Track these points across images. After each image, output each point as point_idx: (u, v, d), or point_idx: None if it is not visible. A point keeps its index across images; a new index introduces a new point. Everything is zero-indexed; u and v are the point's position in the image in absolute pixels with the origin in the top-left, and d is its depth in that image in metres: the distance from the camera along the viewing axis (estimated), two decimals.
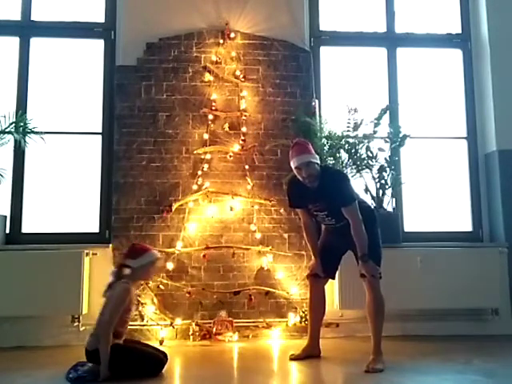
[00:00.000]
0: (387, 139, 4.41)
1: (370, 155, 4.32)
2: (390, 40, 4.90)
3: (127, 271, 3.14)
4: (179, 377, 3.24)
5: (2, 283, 3.91)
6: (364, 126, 4.34)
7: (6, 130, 4.07)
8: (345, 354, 3.68)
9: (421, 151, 4.75)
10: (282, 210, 4.30)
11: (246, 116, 4.41)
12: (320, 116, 4.50)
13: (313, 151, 3.34)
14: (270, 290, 4.21)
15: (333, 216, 3.37)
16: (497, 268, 4.26)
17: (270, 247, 4.25)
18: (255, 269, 4.23)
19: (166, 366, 3.16)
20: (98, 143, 4.53)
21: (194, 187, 4.28)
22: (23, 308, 3.91)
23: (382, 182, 4.33)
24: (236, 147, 4.36)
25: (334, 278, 3.65)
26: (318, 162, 3.35)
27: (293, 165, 3.32)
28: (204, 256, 4.20)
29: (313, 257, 3.57)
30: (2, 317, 3.96)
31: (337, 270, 3.64)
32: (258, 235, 4.25)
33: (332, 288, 4.12)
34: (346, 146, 4.31)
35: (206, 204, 4.29)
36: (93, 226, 4.41)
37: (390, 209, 4.37)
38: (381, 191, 4.34)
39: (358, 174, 4.29)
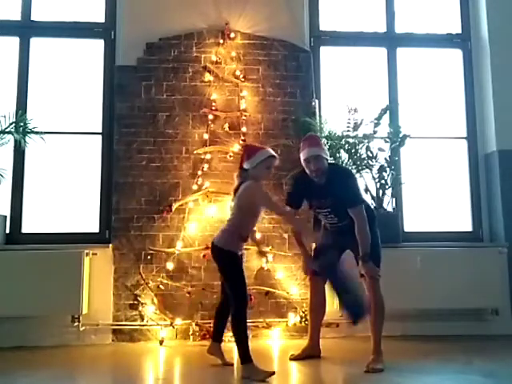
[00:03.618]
0: (387, 139, 4.41)
1: (370, 155, 4.32)
2: (390, 40, 4.90)
3: (247, 173, 3.13)
4: (179, 377, 3.24)
5: (2, 283, 3.91)
6: (364, 126, 4.34)
7: (6, 130, 4.08)
8: (345, 354, 3.68)
9: (421, 151, 4.74)
10: None
11: (246, 116, 4.41)
12: (320, 116, 4.50)
13: (323, 146, 3.37)
14: (270, 290, 4.21)
15: (336, 214, 3.37)
16: (497, 268, 4.26)
17: (270, 247, 4.25)
18: (255, 269, 4.23)
19: None
20: (98, 143, 4.53)
21: (194, 187, 4.29)
22: (23, 308, 3.91)
23: (382, 181, 4.33)
24: (236, 147, 4.36)
25: None
26: (328, 157, 3.37)
27: (302, 157, 3.33)
28: (204, 256, 4.19)
29: (302, 255, 3.58)
30: (2, 317, 3.95)
31: None
32: (258, 235, 4.24)
33: None
34: (346, 146, 4.31)
35: (205, 204, 4.29)
36: (93, 226, 4.41)
37: (390, 209, 4.38)
38: (381, 191, 4.34)
39: (358, 174, 4.29)
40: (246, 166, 3.14)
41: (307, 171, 3.33)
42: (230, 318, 3.16)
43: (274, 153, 3.20)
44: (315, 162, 3.27)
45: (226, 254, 3.14)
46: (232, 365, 3.29)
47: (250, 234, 3.31)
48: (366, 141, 4.33)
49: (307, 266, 3.53)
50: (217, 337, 3.38)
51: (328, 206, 3.35)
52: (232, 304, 3.10)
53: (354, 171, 4.26)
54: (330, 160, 4.26)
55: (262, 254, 3.75)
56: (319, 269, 3.44)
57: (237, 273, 3.12)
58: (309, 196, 3.40)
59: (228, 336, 3.93)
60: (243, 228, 3.20)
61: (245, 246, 4.15)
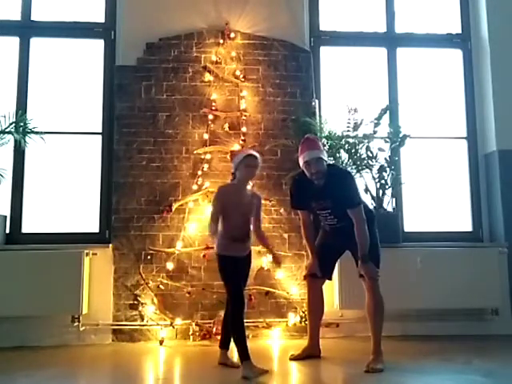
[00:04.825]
0: (387, 139, 4.41)
1: (370, 155, 4.32)
2: (390, 40, 4.90)
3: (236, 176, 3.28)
4: (179, 377, 3.24)
5: (2, 283, 3.91)
6: (364, 126, 4.34)
7: (6, 130, 4.08)
8: (345, 354, 3.68)
9: (421, 151, 4.75)
10: (282, 210, 4.30)
11: (245, 116, 4.41)
12: (320, 116, 4.50)
13: (322, 148, 3.36)
14: (270, 290, 4.21)
15: (335, 215, 3.37)
16: (497, 268, 4.26)
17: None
18: (255, 269, 4.22)
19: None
20: (98, 143, 4.53)
21: (194, 187, 4.28)
22: (23, 308, 3.91)
23: (382, 181, 4.33)
24: (236, 147, 4.36)
25: (330, 279, 3.63)
26: (327, 159, 3.36)
27: (302, 159, 3.32)
28: (204, 256, 4.19)
29: (310, 256, 3.57)
30: (2, 317, 3.95)
31: (333, 271, 3.64)
32: None
33: (332, 288, 4.12)
34: (346, 146, 4.31)
35: (205, 204, 4.28)
36: (93, 226, 4.41)
37: (390, 209, 4.37)
38: (381, 191, 4.34)
39: (358, 174, 4.29)
40: (232, 170, 3.31)
41: (307, 174, 3.32)
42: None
43: (253, 152, 3.27)
44: (315, 165, 3.27)
45: (217, 257, 3.23)
46: (238, 367, 3.26)
47: (241, 233, 3.23)
48: (366, 141, 4.33)
49: (312, 267, 3.50)
50: (223, 344, 3.37)
51: (327, 207, 3.35)
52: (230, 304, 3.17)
53: (353, 171, 4.27)
54: (330, 160, 4.29)
55: (275, 259, 3.43)
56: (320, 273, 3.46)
57: (226, 275, 3.19)
58: (309, 198, 3.40)
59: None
60: (226, 229, 3.21)
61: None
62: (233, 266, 3.18)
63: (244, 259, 3.27)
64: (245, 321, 3.84)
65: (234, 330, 3.13)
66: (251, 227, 3.30)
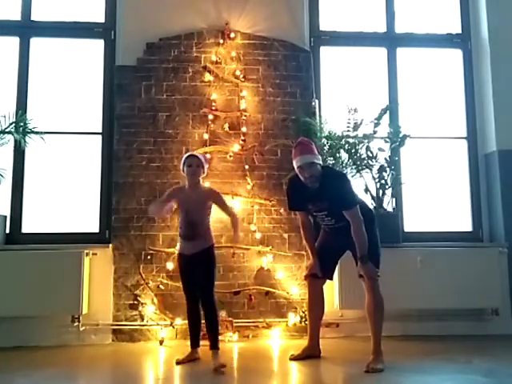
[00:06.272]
0: (387, 139, 4.41)
1: (370, 155, 4.32)
2: (390, 40, 4.90)
3: None
4: (179, 377, 3.23)
5: (2, 283, 3.91)
6: (364, 126, 4.34)
7: (6, 130, 4.08)
8: (345, 354, 3.68)
9: (421, 151, 4.74)
10: (282, 210, 4.30)
11: (245, 116, 4.41)
12: (320, 116, 4.50)
13: (316, 151, 3.35)
14: (270, 290, 4.20)
15: (332, 216, 3.37)
16: (497, 268, 4.26)
17: (270, 247, 4.25)
18: (255, 269, 4.23)
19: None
20: (98, 143, 4.53)
21: None
22: (23, 308, 3.91)
23: (382, 181, 4.33)
24: (236, 147, 4.36)
25: (331, 279, 3.64)
26: (321, 162, 3.36)
27: (295, 164, 3.32)
28: None
29: (310, 256, 3.57)
30: (1, 317, 3.95)
31: (334, 271, 3.64)
32: (258, 235, 4.25)
33: (332, 288, 4.12)
34: (346, 146, 4.31)
35: None
36: (93, 226, 4.41)
37: (390, 209, 4.37)
38: (381, 191, 4.34)
39: (358, 174, 4.29)
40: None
41: (301, 177, 3.33)
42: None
43: (193, 153, 3.51)
44: (309, 170, 3.27)
45: None
46: (223, 366, 3.22)
47: (188, 231, 3.38)
48: (366, 141, 4.33)
49: (313, 267, 3.50)
50: (212, 345, 3.37)
51: (324, 208, 3.35)
52: None
53: (353, 171, 4.28)
54: (330, 160, 4.29)
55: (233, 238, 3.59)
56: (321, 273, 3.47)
57: (179, 272, 3.48)
58: (305, 199, 3.40)
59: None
60: (179, 227, 3.46)
61: (244, 246, 4.21)
62: (182, 264, 3.43)
63: (196, 257, 3.35)
64: (243, 320, 3.87)
65: None
66: (204, 225, 3.41)
